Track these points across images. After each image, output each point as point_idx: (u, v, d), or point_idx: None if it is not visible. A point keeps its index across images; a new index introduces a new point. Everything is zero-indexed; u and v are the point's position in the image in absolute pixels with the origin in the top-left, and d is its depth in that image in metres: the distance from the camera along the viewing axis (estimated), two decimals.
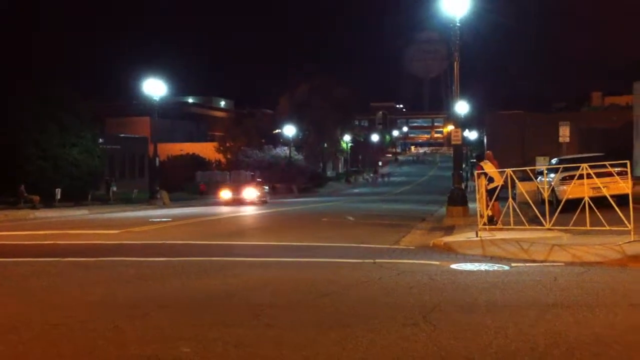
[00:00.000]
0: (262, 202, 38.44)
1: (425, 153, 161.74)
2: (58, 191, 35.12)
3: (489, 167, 16.10)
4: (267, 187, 43.29)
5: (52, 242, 14.78)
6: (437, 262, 10.38)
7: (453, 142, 24.10)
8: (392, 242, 14.02)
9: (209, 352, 5.30)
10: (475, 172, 16.02)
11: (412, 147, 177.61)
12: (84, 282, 9.04)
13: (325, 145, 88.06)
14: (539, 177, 20.13)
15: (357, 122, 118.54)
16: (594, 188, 13.60)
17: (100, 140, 45.82)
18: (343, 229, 17.93)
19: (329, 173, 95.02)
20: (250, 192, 38.90)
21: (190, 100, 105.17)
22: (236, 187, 40.22)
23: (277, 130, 76.66)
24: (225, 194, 39.46)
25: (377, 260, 10.59)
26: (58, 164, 39.07)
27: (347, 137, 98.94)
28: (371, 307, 7.02)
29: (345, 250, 12.44)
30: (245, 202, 37.22)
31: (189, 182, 58.16)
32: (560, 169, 17.76)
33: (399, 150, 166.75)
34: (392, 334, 5.75)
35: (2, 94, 38.11)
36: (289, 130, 73.10)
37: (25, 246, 14.08)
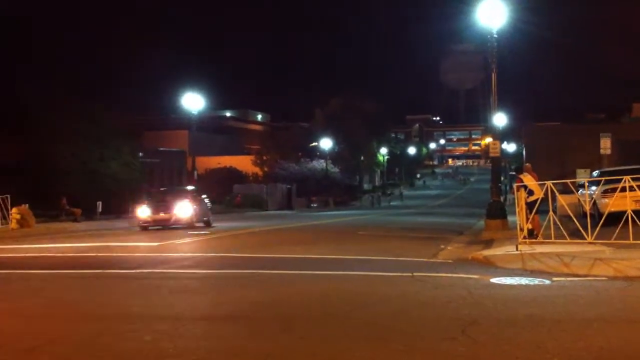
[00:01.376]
0: (201, 225, 26.78)
1: (462, 165, 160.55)
2: (99, 204, 35.73)
3: (528, 180, 15.89)
4: (209, 202, 30.49)
5: (93, 254, 15.03)
6: (476, 276, 10.26)
7: (491, 155, 23.90)
8: (430, 256, 13.90)
9: None
10: (515, 185, 15.82)
11: (450, 160, 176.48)
12: (124, 293, 9.19)
13: (362, 158, 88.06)
14: (580, 190, 19.78)
15: (393, 135, 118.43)
16: (636, 201, 13.32)
17: (140, 154, 46.51)
18: (379, 243, 17.85)
19: (366, 186, 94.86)
20: (184, 210, 25.90)
21: (227, 113, 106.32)
22: (161, 203, 26.43)
23: (313, 144, 76.95)
24: (143, 212, 25.79)
25: (414, 274, 10.51)
26: (97, 177, 39.73)
27: (383, 150, 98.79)
28: (408, 320, 6.97)
29: (382, 264, 12.38)
30: (174, 224, 25.73)
31: (226, 195, 58.47)
32: (602, 182, 17.43)
33: (435, 162, 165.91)
34: (429, 348, 5.70)
35: (41, 107, 38.79)
36: (325, 144, 73.31)
37: (67, 258, 14.34)
